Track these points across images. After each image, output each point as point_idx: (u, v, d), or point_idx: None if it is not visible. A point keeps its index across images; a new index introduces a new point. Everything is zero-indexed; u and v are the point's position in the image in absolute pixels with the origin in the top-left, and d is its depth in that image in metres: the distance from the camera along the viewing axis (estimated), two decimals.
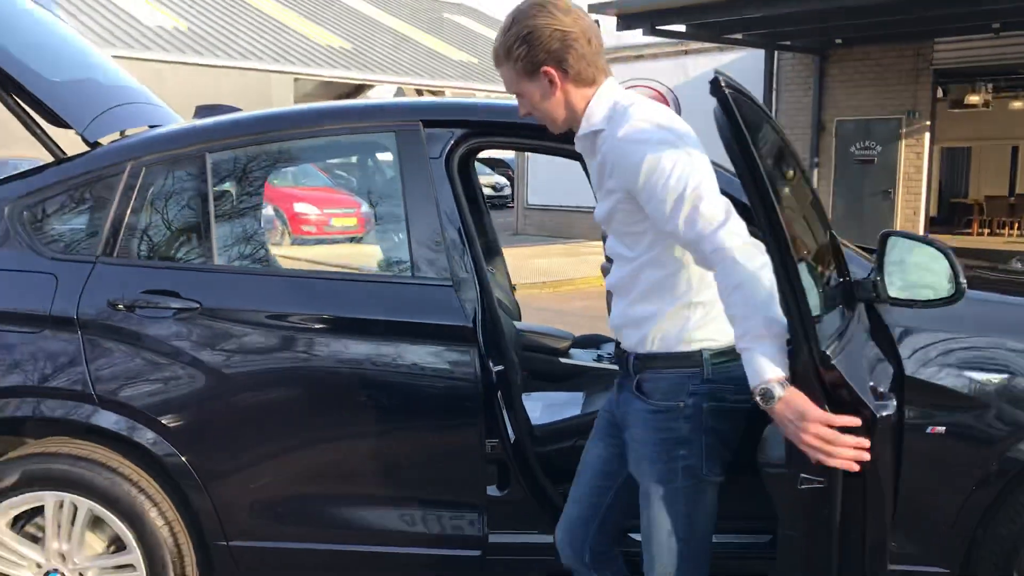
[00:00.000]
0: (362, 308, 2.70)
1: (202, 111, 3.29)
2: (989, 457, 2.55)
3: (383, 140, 2.88)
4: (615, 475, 2.22)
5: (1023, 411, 2.52)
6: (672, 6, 11.47)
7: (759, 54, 13.77)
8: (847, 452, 1.71)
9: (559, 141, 2.46)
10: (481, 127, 2.82)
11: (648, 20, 11.87)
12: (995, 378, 2.53)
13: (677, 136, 1.90)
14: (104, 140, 2.96)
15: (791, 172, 2.03)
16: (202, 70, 21.59)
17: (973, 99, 16.01)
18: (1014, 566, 2.58)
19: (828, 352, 1.69)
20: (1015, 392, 2.52)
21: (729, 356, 1.96)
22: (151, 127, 3.15)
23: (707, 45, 14.19)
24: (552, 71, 1.96)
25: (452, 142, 2.77)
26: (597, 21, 9.76)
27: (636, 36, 12.70)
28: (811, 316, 1.66)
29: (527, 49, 1.94)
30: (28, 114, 3.04)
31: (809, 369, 1.67)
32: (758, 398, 1.75)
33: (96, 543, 2.77)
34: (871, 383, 1.88)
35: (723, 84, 1.62)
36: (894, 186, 13.27)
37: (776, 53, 13.76)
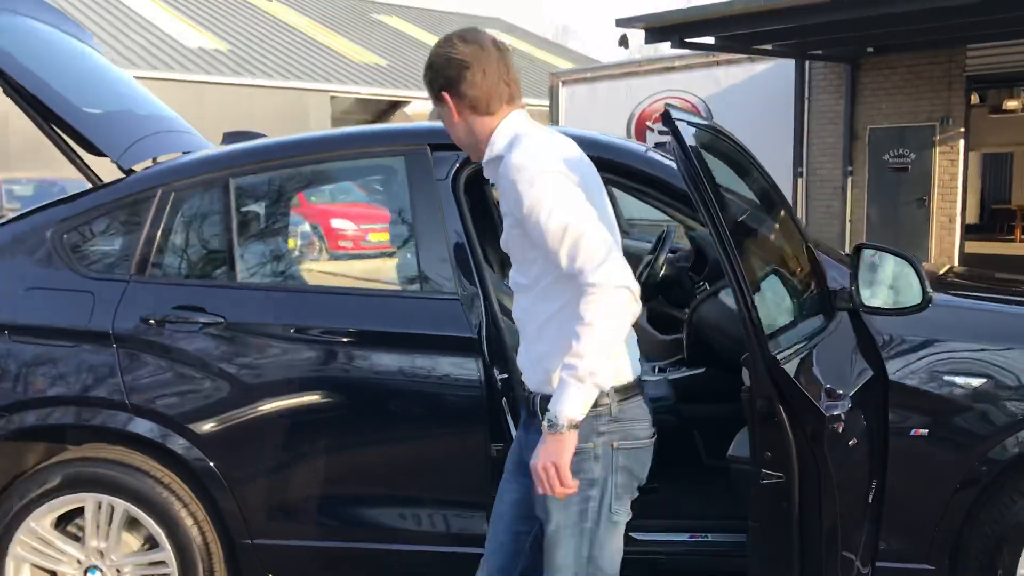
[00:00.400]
0: (374, 321, 2.88)
1: (229, 137, 3.51)
2: (971, 458, 2.65)
3: (393, 163, 3.07)
4: (533, 518, 2.17)
5: (1003, 413, 2.63)
6: (700, 19, 11.56)
7: (790, 63, 13.79)
8: (557, 489, 1.91)
9: None
10: None
11: (676, 33, 11.96)
12: (975, 382, 2.64)
13: (567, 169, 1.97)
14: (138, 167, 3.18)
15: (757, 189, 2.17)
16: (241, 89, 22.09)
17: (1011, 104, 15.89)
18: (998, 563, 2.68)
19: (779, 358, 1.82)
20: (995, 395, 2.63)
21: (633, 392, 2.04)
22: (183, 153, 3.37)
23: (738, 56, 14.25)
24: (447, 97, 2.09)
25: (458, 164, 2.95)
26: (624, 36, 9.73)
27: (667, 48, 12.81)
28: (760, 327, 1.80)
29: (429, 75, 2.13)
30: (67, 143, 3.26)
31: (761, 373, 1.81)
32: (545, 421, 1.90)
33: (132, 541, 2.98)
34: (828, 385, 2.01)
35: (673, 116, 1.78)
36: (929, 194, 13.18)
37: (807, 62, 13.77)
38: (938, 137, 12.98)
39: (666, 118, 1.83)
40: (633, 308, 1.87)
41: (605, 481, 2.02)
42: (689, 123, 1.91)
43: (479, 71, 2.06)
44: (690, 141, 1.83)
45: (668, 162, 2.91)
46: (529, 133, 2.06)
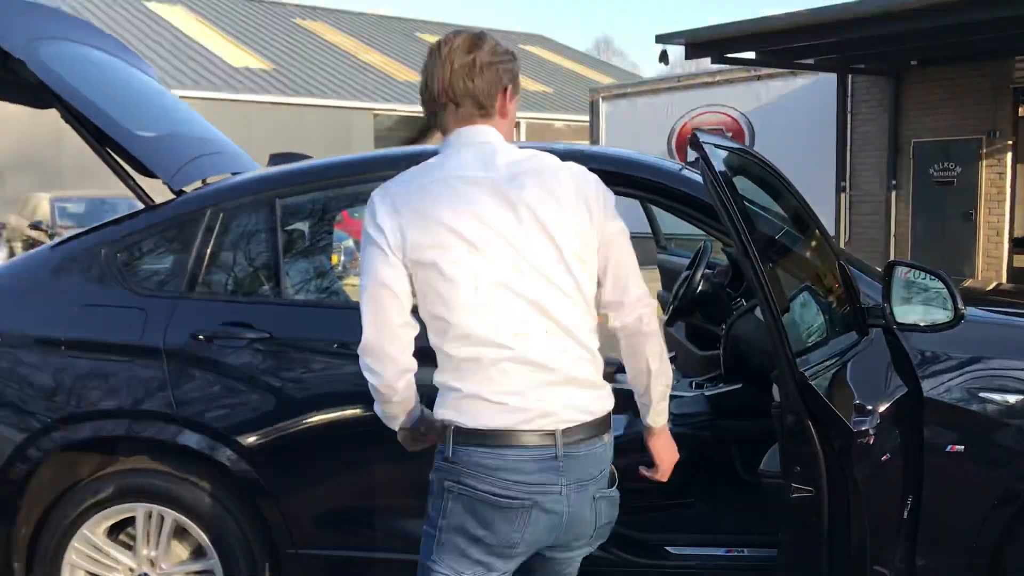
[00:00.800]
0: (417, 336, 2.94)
1: (275, 159, 3.62)
2: (1008, 475, 2.65)
3: None
4: None
5: None
6: (740, 34, 11.56)
7: (832, 77, 13.72)
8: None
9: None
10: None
11: (716, 49, 11.98)
12: (1012, 398, 2.64)
13: (372, 210, 1.98)
14: (188, 188, 3.30)
15: (788, 208, 2.21)
16: (286, 108, 22.48)
17: None
18: None
19: (809, 374, 1.86)
20: None
21: (478, 441, 1.89)
22: (231, 174, 3.49)
23: (779, 70, 14.21)
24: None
25: None
26: (664, 51, 9.75)
27: (708, 62, 12.82)
28: (788, 343, 1.84)
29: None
30: (120, 165, 3.39)
31: (790, 389, 1.85)
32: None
33: (180, 550, 3.08)
34: (858, 401, 2.03)
35: (701, 141, 1.83)
36: (975, 207, 13.01)
37: (849, 76, 13.69)
38: (985, 150, 12.81)
39: (693, 142, 1.89)
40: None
41: (432, 519, 1.97)
42: (717, 146, 1.96)
43: (423, 86, 2.08)
44: (719, 165, 1.88)
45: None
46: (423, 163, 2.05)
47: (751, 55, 12.37)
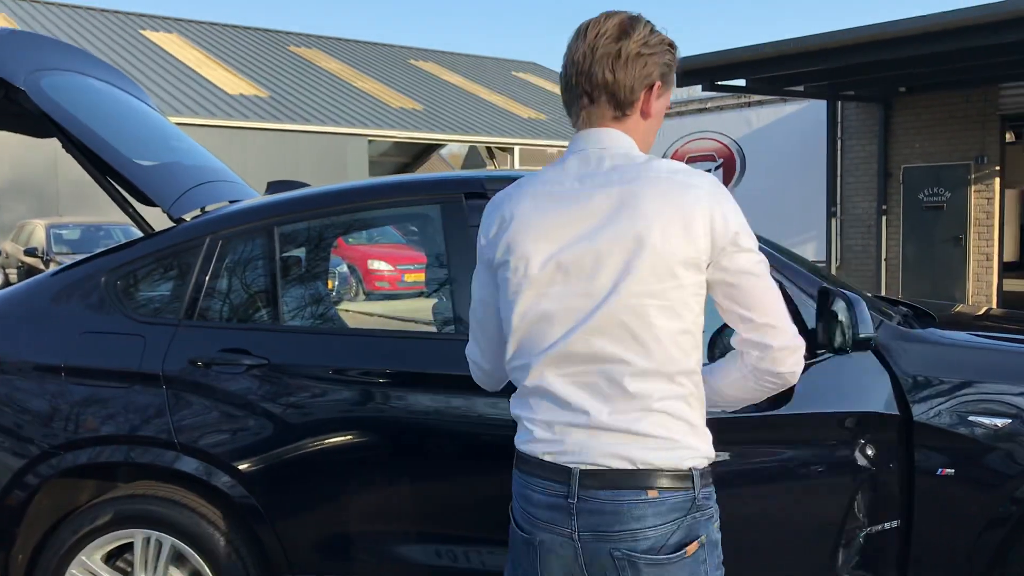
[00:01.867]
0: (412, 362, 2.98)
1: (273, 186, 3.67)
2: (997, 498, 2.69)
3: (429, 212, 3.19)
4: None
5: None
6: (731, 61, 11.70)
7: (822, 104, 13.87)
8: None
9: None
10: None
11: (707, 76, 12.11)
12: (1000, 422, 2.68)
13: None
14: (187, 216, 3.34)
15: None
16: (281, 135, 22.59)
17: None
18: None
19: None
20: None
21: (517, 464, 1.88)
22: (230, 202, 3.53)
23: (769, 97, 14.36)
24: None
25: None
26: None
27: (699, 90, 12.95)
28: None
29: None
30: (120, 194, 3.43)
31: None
32: None
33: None
34: None
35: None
36: (965, 232, 13.13)
37: (839, 103, 13.84)
38: (973, 175, 12.95)
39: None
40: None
41: None
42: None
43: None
44: None
45: None
46: None
47: (741, 82, 12.51)
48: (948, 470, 2.68)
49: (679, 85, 12.34)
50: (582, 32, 1.79)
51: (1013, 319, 3.80)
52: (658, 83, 1.80)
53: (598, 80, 1.76)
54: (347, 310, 11.89)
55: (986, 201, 12.99)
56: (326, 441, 2.97)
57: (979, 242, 13.07)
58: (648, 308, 1.68)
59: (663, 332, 1.69)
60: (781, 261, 2.91)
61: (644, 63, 1.76)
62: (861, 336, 2.48)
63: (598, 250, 1.71)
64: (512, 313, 1.79)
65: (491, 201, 1.89)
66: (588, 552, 1.72)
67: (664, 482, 1.70)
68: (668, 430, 1.72)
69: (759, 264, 1.75)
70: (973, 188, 12.98)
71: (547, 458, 1.76)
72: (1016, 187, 22.25)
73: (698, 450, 1.74)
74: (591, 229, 1.72)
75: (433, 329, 3.70)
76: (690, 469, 1.72)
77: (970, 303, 12.84)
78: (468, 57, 35.05)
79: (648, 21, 1.80)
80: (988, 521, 2.70)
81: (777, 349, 1.75)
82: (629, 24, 1.77)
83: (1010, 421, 2.68)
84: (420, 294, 13.90)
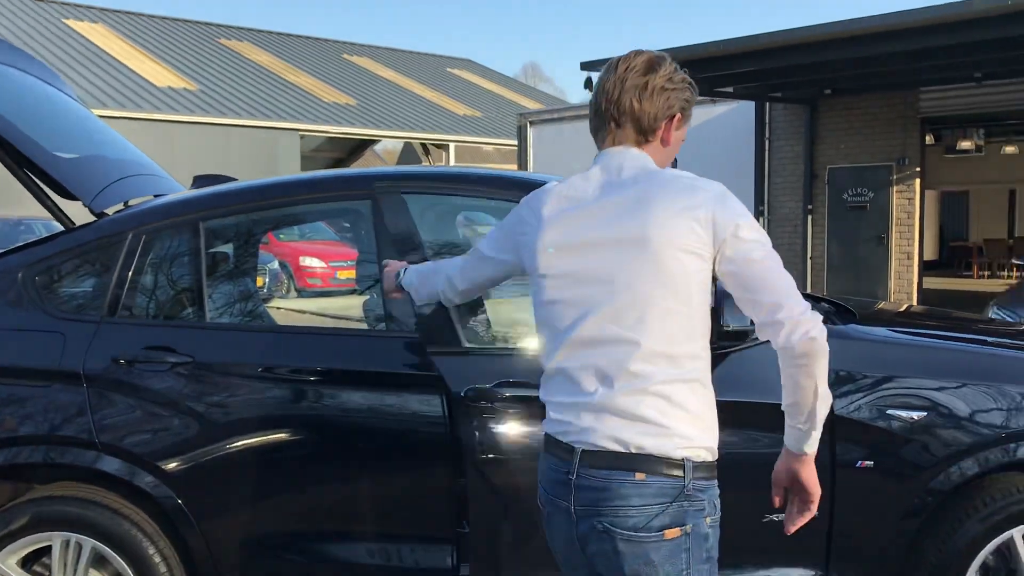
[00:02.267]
0: (339, 359, 2.96)
1: (199, 181, 3.60)
2: (914, 489, 2.78)
3: (360, 207, 3.17)
4: None
5: (944, 446, 2.76)
6: None
7: (751, 105, 14.13)
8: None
9: (510, 200, 2.79)
10: (445, 191, 3.12)
11: None
12: (916, 415, 2.77)
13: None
14: (109, 210, 3.26)
15: None
16: (211, 128, 22.17)
17: (965, 144, 16.29)
18: None
19: None
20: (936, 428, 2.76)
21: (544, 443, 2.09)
22: (153, 197, 3.45)
23: (700, 97, 14.57)
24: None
25: (421, 205, 3.06)
26: (589, 78, 10.05)
27: None
28: None
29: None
30: (40, 187, 3.33)
31: None
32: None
33: None
34: None
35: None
36: (888, 231, 13.51)
37: (768, 104, 14.11)
38: (895, 176, 13.33)
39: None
40: None
41: None
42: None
43: None
44: None
45: None
46: None
47: None
48: (867, 463, 2.76)
49: None
50: (613, 66, 2.00)
51: (932, 316, 3.93)
52: (678, 116, 2.01)
53: (625, 108, 1.97)
54: (278, 307, 11.73)
55: (907, 201, 13.39)
56: (255, 440, 2.92)
57: (900, 241, 13.47)
58: (654, 293, 1.85)
59: (668, 315, 1.86)
60: None
61: (667, 97, 1.97)
62: (731, 328, 2.60)
63: (612, 243, 1.90)
64: (536, 303, 2.02)
65: (526, 197, 2.11)
66: (581, 525, 1.89)
67: (653, 467, 1.83)
68: (664, 415, 1.85)
69: (760, 249, 1.88)
70: (895, 189, 13.36)
71: (559, 437, 1.94)
72: (935, 188, 23.00)
73: (693, 440, 1.86)
74: (607, 225, 1.92)
75: (366, 326, 3.68)
76: (682, 459, 1.84)
77: (892, 300, 13.23)
78: (403, 53, 34.82)
79: (672, 61, 2.01)
80: (905, 512, 2.78)
81: (786, 322, 1.82)
82: (656, 62, 1.98)
83: (926, 414, 2.76)
84: (353, 291, 13.78)
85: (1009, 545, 2.79)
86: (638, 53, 2.01)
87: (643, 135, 1.99)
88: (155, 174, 3.80)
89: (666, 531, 1.82)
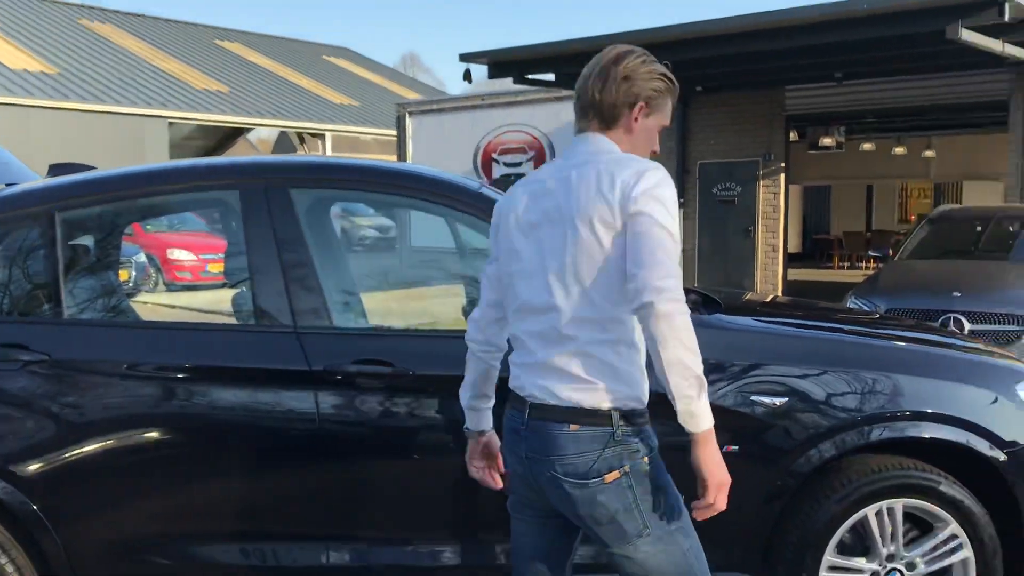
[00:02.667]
0: (215, 356, 2.86)
1: (55, 169, 3.41)
2: (776, 472, 2.89)
3: (228, 197, 3.07)
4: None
5: (804, 430, 2.89)
6: (540, 56, 11.96)
7: None
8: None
9: (385, 192, 2.77)
10: (318, 182, 3.06)
11: (517, 69, 12.33)
12: (779, 401, 2.88)
13: None
14: None
15: None
16: (72, 115, 21.09)
17: (826, 141, 17.08)
18: (803, 568, 2.92)
19: None
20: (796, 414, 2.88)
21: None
22: (5, 185, 3.25)
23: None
24: None
25: (296, 197, 2.98)
26: (468, 70, 10.01)
27: (511, 82, 13.15)
28: None
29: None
30: None
31: None
32: None
33: None
34: None
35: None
36: (754, 224, 14.03)
37: None
38: (761, 171, 13.86)
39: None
40: None
41: None
42: None
43: None
44: None
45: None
46: None
47: (551, 76, 12.80)
48: (733, 447, 2.85)
49: (491, 76, 12.55)
50: (591, 60, 2.15)
51: (795, 306, 4.09)
52: (641, 103, 2.12)
53: (589, 98, 2.12)
54: (145, 302, 11.28)
55: (772, 196, 13.94)
56: (117, 441, 2.81)
57: (766, 234, 14.01)
58: (581, 264, 2.01)
59: (592, 284, 2.01)
60: None
61: (629, 86, 2.10)
62: None
63: (545, 220, 2.09)
64: (495, 276, 2.24)
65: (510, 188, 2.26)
66: (532, 472, 2.12)
67: (584, 419, 2.03)
68: (590, 372, 2.04)
69: (646, 223, 1.96)
70: (761, 183, 13.89)
71: (517, 391, 2.16)
72: (799, 183, 24.04)
73: (618, 393, 2.05)
74: (544, 203, 2.10)
75: (236, 321, 3.57)
76: (609, 410, 2.04)
77: (758, 291, 13.76)
78: (277, 39, 33.92)
79: (642, 53, 2.14)
80: (768, 494, 2.90)
81: (635, 292, 1.93)
82: (623, 54, 2.12)
83: (787, 399, 2.88)
84: (224, 285, 13.38)
85: (864, 523, 2.94)
86: (612, 48, 2.15)
87: (606, 123, 2.12)
88: (5, 161, 3.58)
89: (606, 476, 2.02)
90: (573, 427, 2.03)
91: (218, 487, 2.86)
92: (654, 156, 2.16)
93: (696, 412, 1.95)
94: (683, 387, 1.92)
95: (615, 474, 2.02)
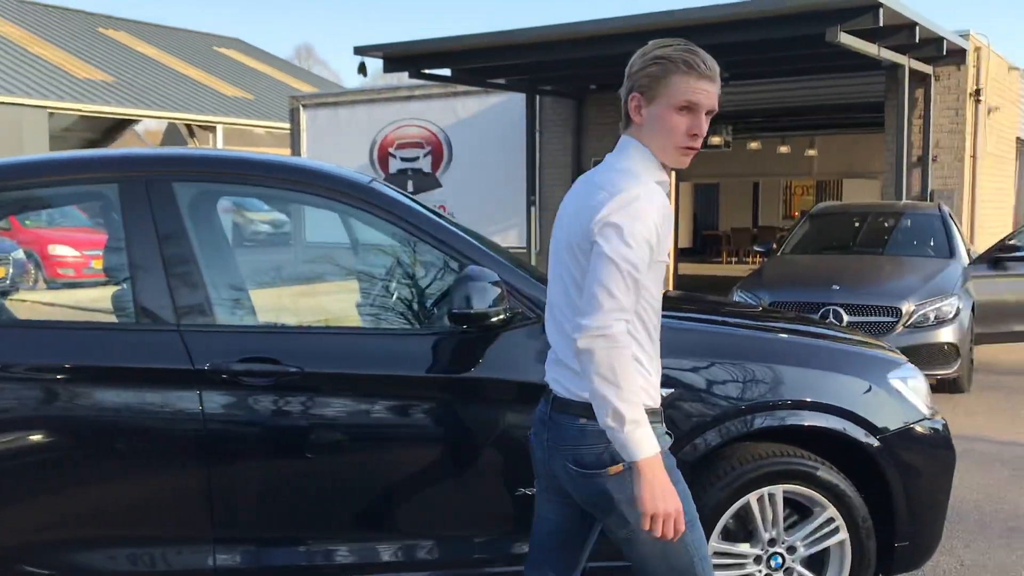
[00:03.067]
0: (86, 355, 2.75)
1: None
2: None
3: (107, 191, 2.96)
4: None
5: (690, 420, 2.97)
6: (436, 51, 11.92)
7: (523, 97, 14.50)
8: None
9: (272, 187, 2.72)
10: (202, 176, 2.98)
11: (413, 64, 12.25)
12: (666, 392, 2.95)
13: None
14: None
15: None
16: None
17: (715, 140, 17.56)
18: None
19: None
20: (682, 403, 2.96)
21: None
22: None
23: (475, 88, 14.79)
24: None
25: (179, 191, 2.90)
26: (363, 63, 9.86)
27: (407, 77, 13.06)
28: None
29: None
30: None
31: None
32: None
33: None
34: None
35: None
36: None
37: (538, 97, 14.54)
38: None
39: None
40: None
41: None
42: None
43: None
44: None
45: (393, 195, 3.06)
46: None
47: (447, 72, 12.78)
48: None
49: (386, 71, 12.45)
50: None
51: (686, 299, 4.20)
52: (635, 94, 2.13)
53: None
54: (23, 300, 10.77)
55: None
56: None
57: None
58: (576, 273, 2.14)
59: (582, 292, 2.08)
60: (473, 247, 3.01)
61: (628, 82, 2.15)
62: (454, 311, 2.69)
63: (560, 224, 2.24)
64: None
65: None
66: (551, 459, 2.24)
67: (591, 413, 2.07)
68: None
69: (599, 259, 2.02)
70: None
71: (547, 383, 2.28)
72: (690, 180, 24.69)
73: None
74: (565, 206, 2.24)
75: (118, 319, 3.45)
76: None
77: None
78: (165, 29, 32.81)
79: (652, 43, 2.13)
80: None
81: (577, 326, 2.03)
82: (638, 52, 2.15)
83: (674, 391, 2.96)
84: (108, 282, 12.89)
85: (747, 508, 3.04)
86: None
87: (625, 123, 2.19)
88: None
89: (610, 468, 2.11)
90: (583, 420, 2.14)
91: (101, 491, 2.76)
92: (694, 138, 2.09)
93: (622, 442, 2.00)
94: (603, 418, 2.01)
95: (618, 467, 2.10)
